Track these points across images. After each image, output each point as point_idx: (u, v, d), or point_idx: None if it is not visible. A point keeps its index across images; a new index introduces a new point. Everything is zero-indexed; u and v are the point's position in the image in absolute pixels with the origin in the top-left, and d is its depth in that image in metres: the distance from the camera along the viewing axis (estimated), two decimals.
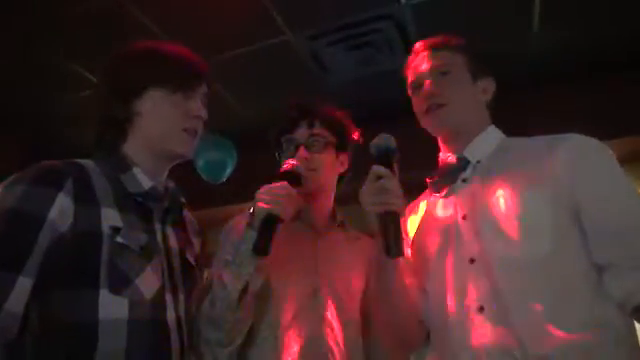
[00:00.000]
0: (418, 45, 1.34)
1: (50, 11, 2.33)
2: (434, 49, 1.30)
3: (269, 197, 1.20)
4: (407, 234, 1.33)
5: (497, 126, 1.31)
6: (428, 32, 1.37)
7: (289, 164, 1.30)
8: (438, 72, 1.26)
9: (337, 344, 1.29)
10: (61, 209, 1.00)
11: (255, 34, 2.55)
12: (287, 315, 1.28)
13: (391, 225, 1.09)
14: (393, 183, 1.12)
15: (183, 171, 1.30)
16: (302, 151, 1.38)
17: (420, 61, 1.30)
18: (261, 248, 1.16)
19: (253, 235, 1.18)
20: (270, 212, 1.18)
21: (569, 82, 2.80)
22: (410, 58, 1.34)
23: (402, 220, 1.19)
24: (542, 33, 2.56)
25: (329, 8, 2.37)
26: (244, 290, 1.18)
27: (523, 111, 2.74)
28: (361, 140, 1.51)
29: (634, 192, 1.09)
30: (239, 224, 1.33)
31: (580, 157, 1.11)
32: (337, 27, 2.52)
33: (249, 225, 1.21)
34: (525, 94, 2.83)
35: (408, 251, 1.28)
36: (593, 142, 1.14)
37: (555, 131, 1.20)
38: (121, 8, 2.33)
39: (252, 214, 1.21)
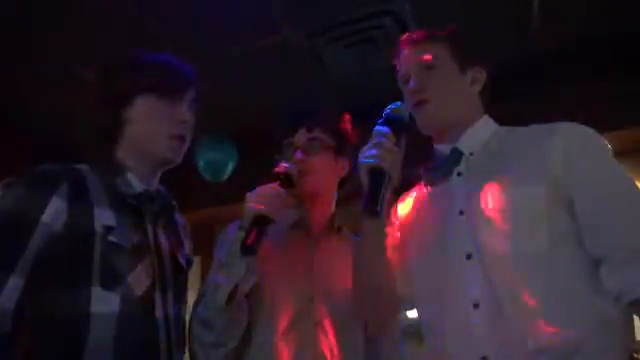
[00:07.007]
0: (404, 38, 1.29)
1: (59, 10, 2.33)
2: (419, 42, 1.26)
3: (258, 198, 1.22)
4: (396, 219, 1.30)
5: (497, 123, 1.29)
6: (429, 28, 1.34)
7: (281, 166, 1.31)
8: (423, 67, 1.23)
9: (331, 350, 1.28)
10: (55, 211, 1.05)
11: (253, 32, 2.54)
12: (282, 322, 1.28)
13: (376, 182, 1.08)
14: (390, 143, 1.10)
15: (188, 170, 1.31)
16: (298, 153, 1.38)
17: (405, 56, 1.27)
18: (248, 247, 1.17)
19: (242, 236, 1.19)
20: (258, 212, 1.20)
21: (570, 77, 2.78)
22: (399, 50, 1.30)
23: (393, 208, 1.24)
24: (542, 28, 2.55)
25: (328, 5, 2.36)
26: (233, 291, 1.18)
27: (523, 106, 2.72)
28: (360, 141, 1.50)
29: (630, 183, 1.05)
30: (234, 227, 1.34)
31: (574, 146, 1.08)
32: (336, 24, 2.50)
33: (239, 226, 1.22)
34: (526, 89, 2.82)
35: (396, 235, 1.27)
36: (588, 131, 1.11)
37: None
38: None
39: (242, 215, 1.23)
